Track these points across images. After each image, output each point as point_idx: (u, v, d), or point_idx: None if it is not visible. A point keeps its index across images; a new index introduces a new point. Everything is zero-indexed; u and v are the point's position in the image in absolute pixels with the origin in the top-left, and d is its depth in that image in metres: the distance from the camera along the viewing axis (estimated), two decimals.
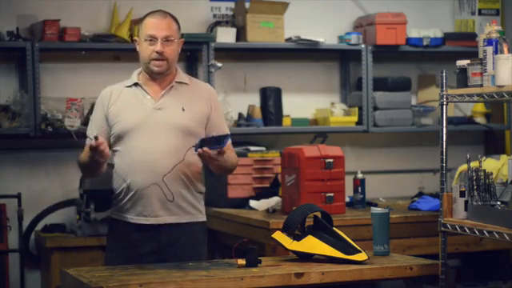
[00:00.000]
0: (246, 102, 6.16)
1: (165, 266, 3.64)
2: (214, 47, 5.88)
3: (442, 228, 3.84)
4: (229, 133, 3.81)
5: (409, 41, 6.32)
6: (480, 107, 6.61)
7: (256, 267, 3.55)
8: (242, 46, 6.04)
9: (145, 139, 3.84)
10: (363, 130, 6.25)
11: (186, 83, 3.97)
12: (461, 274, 6.00)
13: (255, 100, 6.18)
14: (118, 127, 3.88)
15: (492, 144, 6.80)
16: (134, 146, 3.85)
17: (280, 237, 3.73)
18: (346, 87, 6.50)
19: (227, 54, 6.15)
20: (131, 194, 3.85)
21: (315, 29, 6.30)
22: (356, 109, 6.27)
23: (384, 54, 6.41)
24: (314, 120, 6.37)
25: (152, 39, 3.84)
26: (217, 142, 3.68)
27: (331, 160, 5.14)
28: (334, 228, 3.77)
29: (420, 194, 5.90)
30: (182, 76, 3.99)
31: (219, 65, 5.84)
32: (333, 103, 6.37)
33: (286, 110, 6.21)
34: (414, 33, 6.33)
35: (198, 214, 3.96)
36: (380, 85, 6.29)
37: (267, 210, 5.34)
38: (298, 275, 3.48)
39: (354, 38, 6.25)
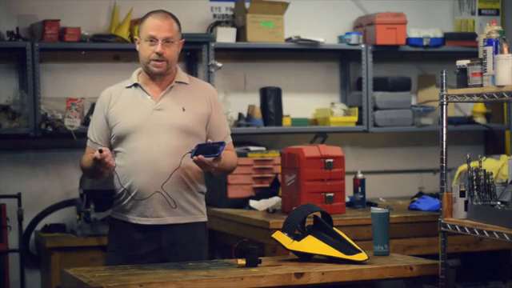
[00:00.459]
0: (246, 102, 6.16)
1: (165, 266, 3.64)
2: (214, 47, 5.88)
3: (442, 228, 3.84)
4: (229, 132, 3.80)
5: (409, 41, 6.32)
6: (480, 107, 6.60)
7: (256, 267, 3.55)
8: (241, 46, 6.04)
9: (145, 140, 3.83)
10: (363, 130, 6.24)
11: (186, 83, 3.96)
12: (461, 274, 6.00)
13: (255, 100, 6.18)
14: (118, 128, 3.88)
15: (492, 144, 6.80)
16: (134, 146, 3.85)
17: (280, 237, 3.73)
18: (346, 87, 6.50)
19: (227, 53, 6.15)
20: (132, 194, 3.85)
21: (315, 29, 6.30)
22: (356, 109, 6.27)
23: (384, 53, 6.40)
24: (314, 120, 6.36)
25: (152, 40, 3.83)
26: (212, 150, 3.68)
27: (331, 160, 5.14)
28: (334, 228, 3.77)
29: (420, 194, 5.90)
30: (182, 76, 3.99)
31: (219, 65, 5.84)
32: (333, 103, 6.37)
33: (285, 110, 6.21)
34: (414, 33, 6.33)
35: (199, 214, 3.96)
36: (380, 85, 6.29)
37: (267, 210, 5.34)
38: (298, 275, 3.48)
39: (354, 38, 6.25)
